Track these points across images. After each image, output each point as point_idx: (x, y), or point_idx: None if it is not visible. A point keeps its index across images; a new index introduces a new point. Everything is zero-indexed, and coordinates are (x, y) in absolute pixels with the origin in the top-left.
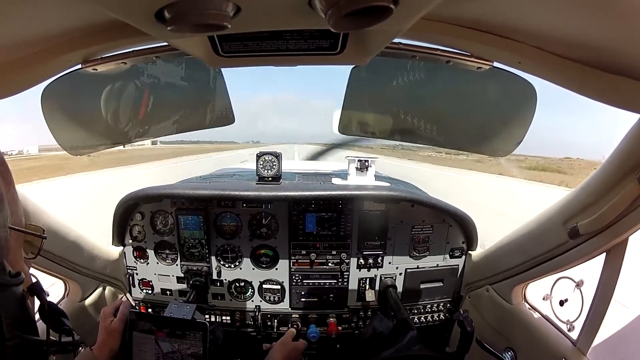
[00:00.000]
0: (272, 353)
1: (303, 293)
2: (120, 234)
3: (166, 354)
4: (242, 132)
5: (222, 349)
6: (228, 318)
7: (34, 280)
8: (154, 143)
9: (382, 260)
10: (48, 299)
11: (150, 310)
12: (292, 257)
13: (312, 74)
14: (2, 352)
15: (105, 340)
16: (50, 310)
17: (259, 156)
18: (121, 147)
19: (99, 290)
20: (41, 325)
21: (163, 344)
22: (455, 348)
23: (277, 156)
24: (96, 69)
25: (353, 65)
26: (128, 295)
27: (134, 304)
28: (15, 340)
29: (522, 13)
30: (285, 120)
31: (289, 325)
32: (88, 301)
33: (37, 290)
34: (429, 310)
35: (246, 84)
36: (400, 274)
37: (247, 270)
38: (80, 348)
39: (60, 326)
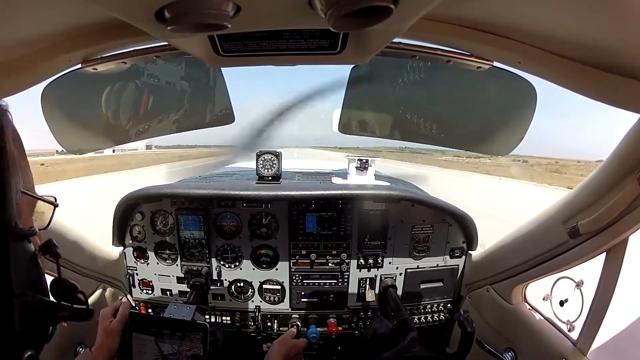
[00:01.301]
0: (271, 351)
1: (303, 293)
2: (120, 234)
3: (166, 356)
4: (241, 136)
5: (223, 350)
6: (228, 319)
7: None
8: (148, 147)
9: (382, 260)
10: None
11: (150, 310)
12: (292, 257)
13: (313, 77)
14: (9, 309)
15: (103, 341)
16: (62, 279)
17: (258, 155)
18: (110, 152)
19: (99, 291)
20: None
21: (163, 345)
22: (456, 349)
23: (277, 155)
24: (96, 69)
25: (353, 65)
26: (128, 296)
27: (134, 305)
28: (25, 298)
29: (522, 13)
30: (286, 124)
31: (289, 325)
32: (88, 302)
33: (49, 247)
34: (429, 310)
35: (246, 87)
36: (400, 274)
37: (247, 271)
38: (85, 351)
39: (74, 295)
